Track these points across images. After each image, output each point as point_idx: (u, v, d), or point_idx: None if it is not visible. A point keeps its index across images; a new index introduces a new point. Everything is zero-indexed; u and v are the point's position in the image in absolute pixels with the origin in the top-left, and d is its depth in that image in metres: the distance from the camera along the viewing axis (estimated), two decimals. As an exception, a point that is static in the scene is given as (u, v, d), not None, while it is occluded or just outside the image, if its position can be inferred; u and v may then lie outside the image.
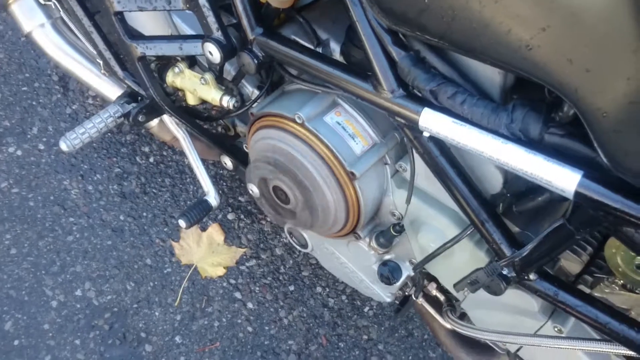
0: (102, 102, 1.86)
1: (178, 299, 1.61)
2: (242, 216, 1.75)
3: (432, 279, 1.16)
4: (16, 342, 1.49)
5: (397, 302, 1.29)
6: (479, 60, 0.69)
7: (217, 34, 0.94)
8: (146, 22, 1.14)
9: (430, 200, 0.96)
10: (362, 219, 1.01)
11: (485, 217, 0.83)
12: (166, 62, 1.10)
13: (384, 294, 1.17)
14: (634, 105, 0.55)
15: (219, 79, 1.08)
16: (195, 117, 1.18)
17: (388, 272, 1.06)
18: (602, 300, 0.82)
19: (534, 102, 0.70)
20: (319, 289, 1.68)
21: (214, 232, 1.70)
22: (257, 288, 1.66)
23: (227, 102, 1.05)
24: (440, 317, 1.17)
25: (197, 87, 1.08)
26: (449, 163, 0.82)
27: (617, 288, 0.83)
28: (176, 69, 1.10)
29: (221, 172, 1.81)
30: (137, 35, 1.06)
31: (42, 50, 1.30)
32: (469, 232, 0.89)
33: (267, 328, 1.61)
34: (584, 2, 0.53)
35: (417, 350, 1.63)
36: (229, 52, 0.95)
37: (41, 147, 1.77)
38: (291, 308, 1.64)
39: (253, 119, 1.04)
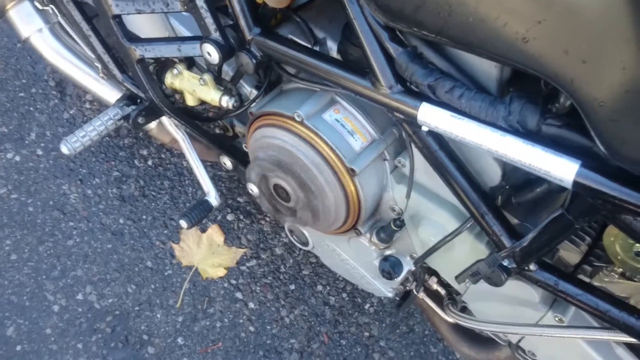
0: (100, 107, 1.87)
1: (179, 301, 1.61)
2: (241, 217, 1.76)
3: (433, 273, 1.17)
4: (18, 348, 1.49)
5: (397, 298, 1.30)
6: (476, 54, 0.70)
7: (215, 34, 0.95)
8: (144, 25, 1.14)
9: (430, 195, 0.97)
10: (362, 215, 1.02)
11: (484, 209, 0.84)
12: (165, 64, 1.11)
13: (385, 289, 1.18)
14: (630, 94, 0.56)
15: (218, 80, 1.09)
16: (195, 118, 1.19)
17: (389, 267, 1.07)
18: (601, 289, 0.84)
19: (530, 94, 0.71)
20: (319, 288, 1.69)
21: (214, 233, 1.71)
22: (258, 288, 1.66)
23: (227, 102, 1.06)
24: (441, 311, 1.18)
25: (196, 88, 1.08)
26: (447, 157, 0.83)
27: (616, 276, 0.84)
28: (175, 71, 1.11)
29: (219, 173, 1.82)
30: (135, 38, 1.06)
31: (41, 55, 1.31)
32: (468, 224, 0.91)
33: (269, 327, 1.61)
34: (579, -6, 0.54)
35: (419, 345, 1.64)
36: (227, 52, 0.96)
37: (39, 152, 1.77)
38: (292, 307, 1.65)
39: (252, 118, 1.05)
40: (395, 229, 1.01)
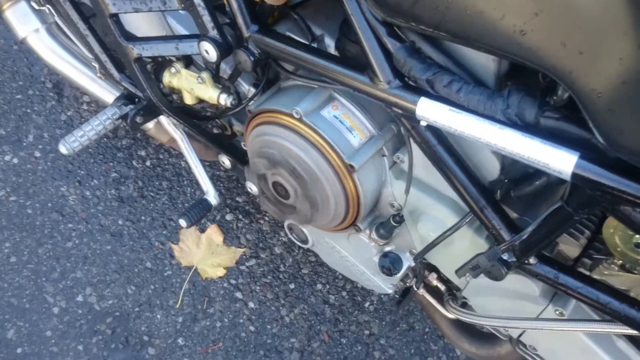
0: (97, 108, 1.87)
1: (179, 301, 1.61)
2: (240, 216, 1.76)
3: (433, 269, 1.18)
4: (19, 350, 1.49)
5: (396, 295, 1.30)
6: (473, 48, 0.70)
7: (213, 32, 0.95)
8: (141, 24, 1.14)
9: (429, 190, 0.97)
10: (361, 211, 1.02)
11: (483, 203, 0.84)
12: (162, 63, 1.11)
13: (385, 286, 1.18)
14: (627, 85, 0.56)
15: (216, 78, 1.09)
16: (193, 117, 1.19)
17: (389, 264, 1.07)
18: (602, 282, 0.84)
19: (528, 87, 0.71)
20: (319, 286, 1.69)
21: (213, 233, 1.71)
22: (258, 287, 1.66)
23: (225, 100, 1.06)
24: (441, 307, 1.19)
25: (194, 87, 1.08)
26: (446, 151, 0.84)
27: (615, 268, 0.85)
28: (173, 69, 1.11)
29: (218, 173, 1.82)
30: (133, 37, 1.06)
31: (38, 56, 1.30)
32: (468, 219, 0.91)
33: (269, 327, 1.61)
34: (575, -15, 0.54)
35: (419, 343, 1.65)
36: (225, 50, 0.96)
37: (37, 154, 1.77)
38: (292, 306, 1.65)
39: (250, 116, 1.05)
40: (395, 224, 1.01)
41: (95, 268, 1.63)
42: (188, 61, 1.12)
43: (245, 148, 1.21)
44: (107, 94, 1.28)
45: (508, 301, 0.98)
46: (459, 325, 1.30)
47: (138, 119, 1.16)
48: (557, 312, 0.93)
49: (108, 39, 1.10)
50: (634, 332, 0.79)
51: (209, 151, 1.34)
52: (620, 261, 0.84)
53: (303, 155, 0.97)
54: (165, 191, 1.77)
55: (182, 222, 1.20)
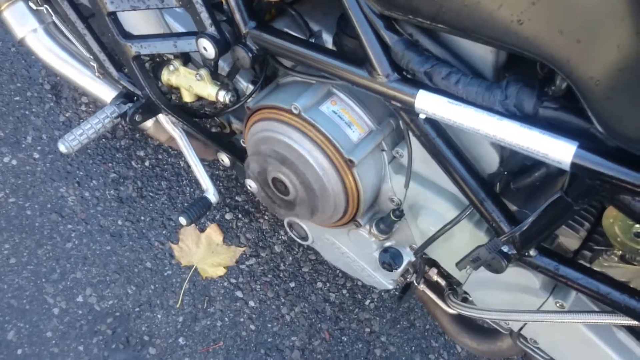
0: (95, 109, 1.87)
1: (180, 301, 1.61)
2: (239, 215, 1.76)
3: (433, 264, 1.18)
4: (20, 351, 1.49)
5: (396, 292, 1.30)
6: (471, 39, 0.71)
7: (211, 29, 0.95)
8: (138, 22, 1.15)
9: (428, 184, 0.98)
10: (361, 206, 1.02)
11: (483, 196, 0.85)
12: (161, 61, 1.11)
13: (386, 281, 1.19)
14: (625, 72, 0.56)
15: (214, 75, 1.09)
16: (191, 115, 1.19)
17: (389, 259, 1.07)
18: (602, 273, 0.84)
19: (526, 78, 0.72)
20: (319, 284, 1.69)
21: (213, 232, 1.71)
22: (258, 286, 1.66)
23: (223, 96, 1.06)
24: (442, 302, 1.19)
25: (193, 84, 1.09)
26: (445, 144, 0.84)
27: (615, 259, 0.85)
28: (171, 67, 1.11)
29: (217, 172, 1.82)
30: (131, 35, 1.06)
31: (36, 56, 1.31)
32: (468, 212, 0.91)
33: (269, 325, 1.61)
34: (572, -28, 0.55)
35: (420, 340, 1.65)
36: (223, 47, 0.96)
37: (36, 155, 1.77)
38: (293, 304, 1.65)
39: (249, 112, 1.05)
40: (395, 219, 1.02)
41: (95, 268, 1.63)
42: (186, 59, 1.13)
43: (244, 145, 1.21)
44: (105, 93, 1.28)
45: (509, 294, 0.98)
46: (460, 320, 1.30)
47: (137, 117, 1.16)
48: (558, 304, 0.93)
49: (106, 38, 1.10)
50: (634, 322, 0.80)
51: (208, 149, 1.34)
52: (620, 252, 0.85)
53: (302, 150, 0.98)
54: (164, 191, 1.77)
55: (182, 220, 1.20)
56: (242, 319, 1.61)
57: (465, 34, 0.70)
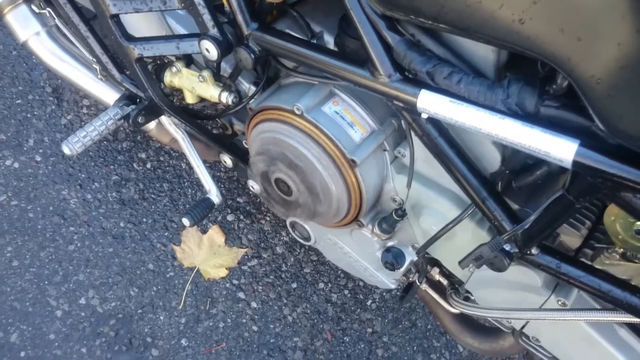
0: (97, 111, 1.88)
1: (182, 302, 1.62)
2: (241, 217, 1.76)
3: (435, 264, 1.18)
4: (23, 354, 1.49)
5: (398, 292, 1.31)
6: (473, 38, 0.71)
7: (213, 31, 0.96)
8: (141, 25, 1.15)
9: (430, 184, 0.98)
10: (364, 206, 1.03)
11: (485, 195, 0.85)
12: (163, 63, 1.12)
13: (388, 281, 1.19)
14: (626, 70, 0.57)
15: (217, 76, 1.09)
16: (194, 117, 1.20)
17: (392, 258, 1.08)
18: (603, 271, 0.84)
19: (528, 76, 0.72)
20: (321, 285, 1.70)
21: (215, 233, 1.72)
22: (260, 287, 1.67)
23: (226, 98, 1.07)
24: (444, 302, 1.19)
25: (196, 85, 1.09)
26: (447, 144, 0.84)
27: (617, 257, 0.85)
28: (174, 69, 1.11)
29: (218, 174, 1.83)
30: (134, 38, 1.07)
31: (38, 59, 1.31)
32: (470, 211, 0.91)
33: (272, 326, 1.62)
34: (573, -29, 0.55)
35: (422, 340, 1.65)
36: (225, 48, 0.97)
37: (38, 158, 1.78)
38: (295, 305, 1.65)
39: (252, 113, 1.06)
40: (397, 219, 1.02)
41: (97, 271, 1.63)
42: (189, 60, 1.13)
43: (246, 146, 1.22)
44: (108, 95, 1.29)
45: (511, 293, 0.99)
46: (462, 320, 1.30)
47: (140, 119, 1.17)
48: (560, 302, 0.93)
49: (109, 41, 1.10)
50: (636, 319, 0.80)
51: (210, 151, 1.34)
52: (622, 250, 0.85)
53: (305, 151, 0.98)
54: (166, 193, 1.78)
55: (185, 221, 1.20)
56: (244, 320, 1.61)
57: (466, 34, 0.71)
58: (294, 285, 1.69)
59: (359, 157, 0.95)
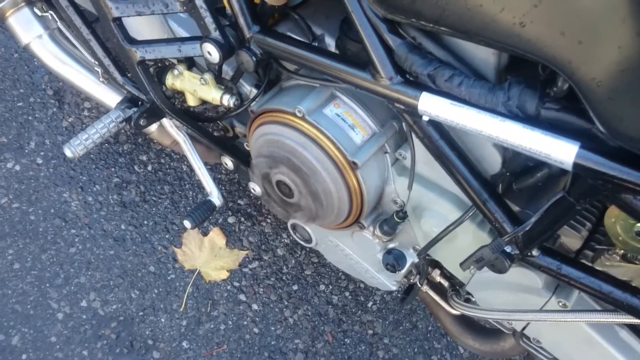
0: (98, 114, 1.88)
1: (183, 305, 1.62)
2: (242, 219, 1.77)
3: (436, 265, 1.19)
4: (24, 357, 1.49)
5: (399, 294, 1.31)
6: (473, 41, 0.72)
7: (215, 34, 0.96)
8: (142, 28, 1.16)
9: (431, 186, 0.99)
10: (365, 208, 1.03)
11: (486, 197, 0.85)
12: (165, 66, 1.12)
13: (390, 283, 1.19)
14: (626, 73, 0.57)
15: (218, 79, 1.10)
16: (195, 119, 1.20)
17: (393, 260, 1.08)
18: (604, 272, 0.85)
19: (528, 79, 0.73)
20: (322, 287, 1.70)
21: (215, 236, 1.72)
22: (261, 289, 1.67)
23: (228, 100, 1.07)
24: (445, 303, 1.19)
25: (197, 88, 1.10)
26: (448, 146, 0.85)
27: (617, 258, 0.86)
28: (175, 72, 1.12)
29: (219, 176, 1.83)
30: (136, 40, 1.07)
31: (41, 61, 1.32)
32: (471, 213, 0.92)
33: (273, 328, 1.62)
34: (573, -25, 0.56)
35: (422, 342, 1.65)
36: (227, 51, 0.97)
37: (39, 161, 1.78)
38: (296, 307, 1.66)
39: (253, 116, 1.06)
40: (398, 221, 1.02)
41: (98, 273, 1.63)
42: (190, 63, 1.13)
43: (248, 149, 1.22)
44: (110, 98, 1.29)
45: (511, 294, 0.99)
46: (462, 321, 1.31)
47: (142, 122, 1.17)
48: (561, 304, 0.93)
49: (111, 44, 1.11)
50: (636, 321, 0.80)
51: (211, 153, 1.35)
52: (622, 251, 0.85)
53: (306, 153, 0.99)
54: (167, 195, 1.78)
55: (187, 223, 1.21)
56: (245, 322, 1.62)
57: (467, 37, 0.71)
58: (295, 287, 1.69)
59: (360, 159, 0.96)
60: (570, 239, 0.94)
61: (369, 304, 1.69)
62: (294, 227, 1.27)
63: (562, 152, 0.67)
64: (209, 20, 0.95)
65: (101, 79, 1.24)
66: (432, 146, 0.86)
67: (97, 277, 1.63)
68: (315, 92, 0.99)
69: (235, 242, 1.73)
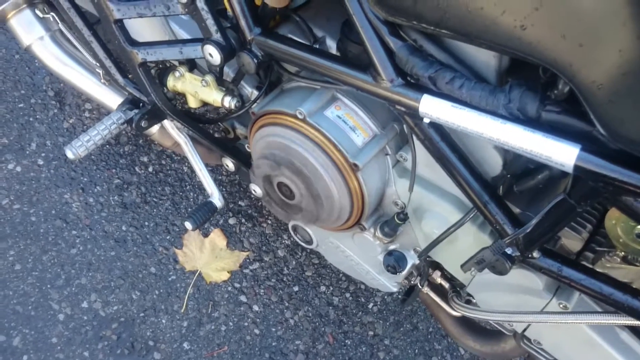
0: (99, 115, 1.88)
1: (184, 306, 1.62)
2: (243, 220, 1.77)
3: (437, 267, 1.19)
4: (25, 358, 1.49)
5: (399, 295, 1.31)
6: (475, 44, 0.72)
7: (217, 36, 0.96)
8: (144, 30, 1.16)
9: (432, 187, 0.99)
10: (366, 210, 1.04)
11: (487, 199, 0.86)
12: (166, 67, 1.13)
13: (390, 284, 1.20)
14: (627, 76, 0.57)
15: (220, 81, 1.10)
16: (196, 121, 1.21)
17: (394, 262, 1.08)
18: (604, 274, 0.85)
19: (529, 82, 0.73)
20: (322, 288, 1.70)
21: (216, 237, 1.72)
22: (262, 290, 1.67)
23: (229, 102, 1.08)
24: (446, 305, 1.20)
25: (199, 90, 1.10)
26: (449, 148, 0.85)
27: (618, 260, 0.86)
28: (177, 73, 1.12)
29: (220, 178, 1.83)
30: (137, 42, 1.08)
31: (42, 63, 1.32)
32: (471, 215, 0.92)
33: (273, 329, 1.62)
34: (574, -22, 0.56)
35: (423, 343, 1.65)
36: (228, 53, 0.97)
37: (40, 162, 1.78)
38: (296, 308, 1.66)
39: (254, 118, 1.07)
40: (399, 222, 1.03)
41: (99, 274, 1.63)
42: (192, 65, 1.14)
43: (249, 150, 1.22)
44: (111, 99, 1.29)
45: (512, 296, 0.99)
46: (463, 323, 1.31)
47: (143, 123, 1.17)
48: (561, 305, 0.94)
49: (112, 45, 1.11)
50: (637, 322, 0.80)
51: (212, 155, 1.35)
52: (623, 253, 0.86)
53: (307, 155, 0.99)
54: (168, 196, 1.78)
55: (188, 225, 1.21)
56: (246, 323, 1.62)
57: (468, 40, 0.71)
58: (296, 288, 1.69)
59: (361, 161, 0.96)
60: (571, 240, 0.94)
61: (370, 305, 1.69)
62: (294, 228, 1.27)
63: (563, 154, 0.68)
64: (210, 22, 0.95)
65: (102, 80, 1.24)
66: (433, 148, 0.86)
67: (98, 278, 1.63)
68: (317, 94, 0.99)
69: (236, 243, 1.73)
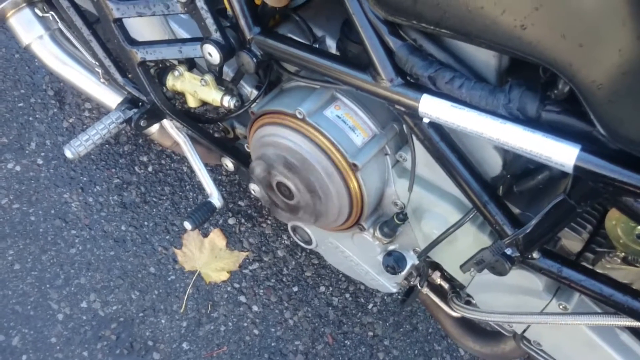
0: (99, 115, 1.88)
1: (183, 306, 1.62)
2: (242, 220, 1.77)
3: (436, 267, 1.18)
4: (24, 357, 1.49)
5: (399, 296, 1.31)
6: (474, 44, 0.72)
7: (216, 35, 0.96)
8: (143, 29, 1.16)
9: (432, 188, 0.99)
10: (365, 210, 1.03)
11: (486, 199, 0.85)
12: (165, 67, 1.12)
13: (390, 285, 1.19)
14: (627, 76, 0.57)
15: (219, 80, 1.10)
16: (196, 120, 1.20)
17: (393, 262, 1.08)
18: (604, 275, 0.85)
19: (529, 82, 0.73)
20: (322, 289, 1.70)
21: (216, 237, 1.72)
22: (261, 291, 1.67)
23: (228, 102, 1.07)
24: (445, 305, 1.19)
25: (198, 89, 1.10)
26: (449, 148, 0.85)
27: (618, 261, 0.85)
28: (176, 73, 1.12)
29: (220, 178, 1.83)
30: (136, 41, 1.08)
31: (41, 62, 1.32)
32: (471, 215, 0.92)
33: (273, 330, 1.62)
34: (574, -22, 0.56)
35: (423, 343, 1.65)
36: (228, 52, 0.97)
37: (40, 161, 1.78)
38: (296, 309, 1.66)
39: (254, 117, 1.06)
40: (398, 223, 1.02)
41: (99, 274, 1.63)
42: (191, 64, 1.13)
43: (248, 150, 1.22)
44: (110, 98, 1.29)
45: (512, 297, 0.99)
46: (463, 323, 1.31)
47: (142, 123, 1.17)
48: (561, 306, 0.93)
49: (111, 44, 1.11)
50: (637, 323, 0.80)
51: (212, 154, 1.35)
52: (623, 254, 0.85)
53: (306, 155, 0.99)
54: (167, 196, 1.78)
55: (187, 225, 1.21)
56: (245, 324, 1.61)
57: (468, 39, 0.71)
58: (295, 288, 1.69)
59: (360, 161, 0.96)
60: (571, 241, 0.94)
61: (370, 306, 1.69)
62: (294, 228, 1.27)
63: (563, 154, 0.67)
64: (209, 21, 0.95)
65: (102, 79, 1.24)
66: (432, 148, 0.85)
67: (98, 278, 1.63)
68: (316, 94, 0.99)
69: (236, 243, 1.73)
